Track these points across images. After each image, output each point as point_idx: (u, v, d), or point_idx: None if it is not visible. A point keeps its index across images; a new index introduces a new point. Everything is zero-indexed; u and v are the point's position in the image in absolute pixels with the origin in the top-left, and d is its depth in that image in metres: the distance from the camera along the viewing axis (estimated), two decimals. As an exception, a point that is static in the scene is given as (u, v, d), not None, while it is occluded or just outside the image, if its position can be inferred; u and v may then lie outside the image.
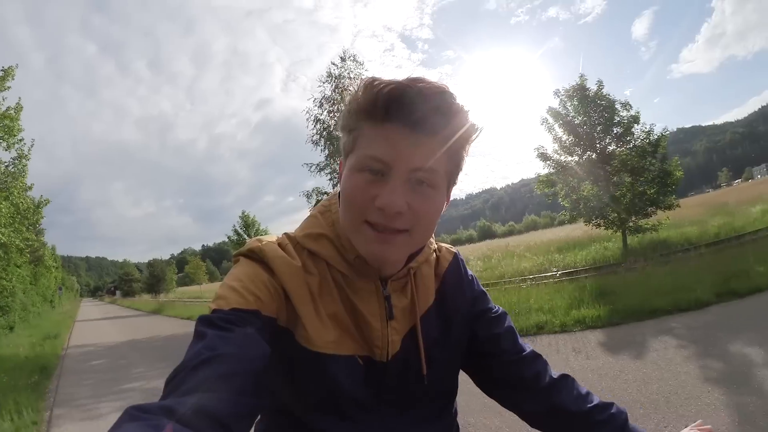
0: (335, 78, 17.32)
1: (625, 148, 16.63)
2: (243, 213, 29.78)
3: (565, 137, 17.12)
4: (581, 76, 16.94)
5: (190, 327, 9.98)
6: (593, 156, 16.67)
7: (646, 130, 16.49)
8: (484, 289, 1.12)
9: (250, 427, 0.70)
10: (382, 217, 0.80)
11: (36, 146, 14.63)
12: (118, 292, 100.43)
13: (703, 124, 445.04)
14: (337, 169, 0.97)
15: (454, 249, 1.12)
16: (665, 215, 16.64)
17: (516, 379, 1.05)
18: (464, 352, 1.06)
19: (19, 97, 13.81)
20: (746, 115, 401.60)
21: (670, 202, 16.22)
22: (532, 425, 1.08)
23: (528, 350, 1.08)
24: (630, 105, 16.92)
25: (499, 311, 1.11)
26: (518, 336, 1.10)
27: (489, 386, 1.09)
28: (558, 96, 17.26)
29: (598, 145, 16.70)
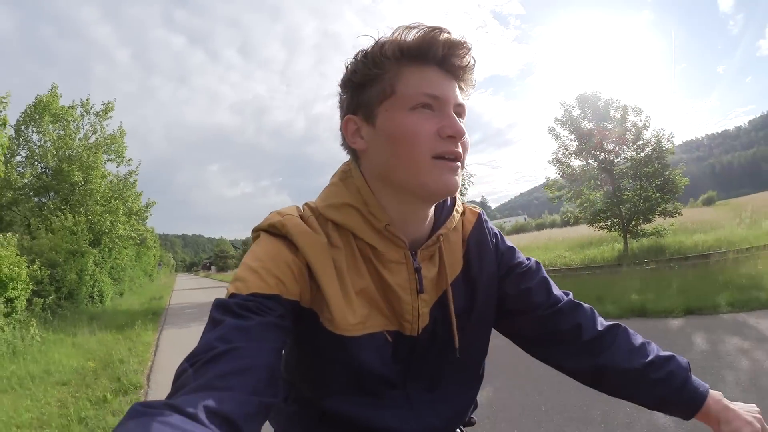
0: None
1: (634, 153, 16.41)
2: None
3: (571, 143, 17.03)
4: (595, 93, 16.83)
5: None
6: (598, 160, 16.49)
7: (656, 134, 16.17)
8: (511, 245, 1.06)
9: (262, 424, 0.67)
10: (451, 145, 0.82)
11: (130, 134, 19.12)
12: (213, 268, 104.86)
13: None
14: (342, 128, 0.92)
15: (477, 209, 1.06)
16: (671, 221, 16.56)
17: (553, 334, 0.99)
18: (494, 315, 1.02)
19: (120, 122, 19.01)
20: None
21: (670, 209, 15.96)
22: (581, 382, 1.02)
23: (565, 300, 1.02)
24: (641, 109, 16.50)
25: (531, 263, 1.06)
26: (554, 286, 1.04)
27: (527, 344, 1.05)
28: (563, 106, 17.02)
29: (603, 151, 16.37)
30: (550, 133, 17.41)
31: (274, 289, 0.78)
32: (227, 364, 0.64)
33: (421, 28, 0.82)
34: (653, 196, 16.04)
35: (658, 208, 15.97)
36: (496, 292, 1.01)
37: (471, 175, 18.00)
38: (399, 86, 0.83)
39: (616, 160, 16.47)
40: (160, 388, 6.24)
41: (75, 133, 17.46)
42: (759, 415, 0.91)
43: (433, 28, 0.82)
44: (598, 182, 16.68)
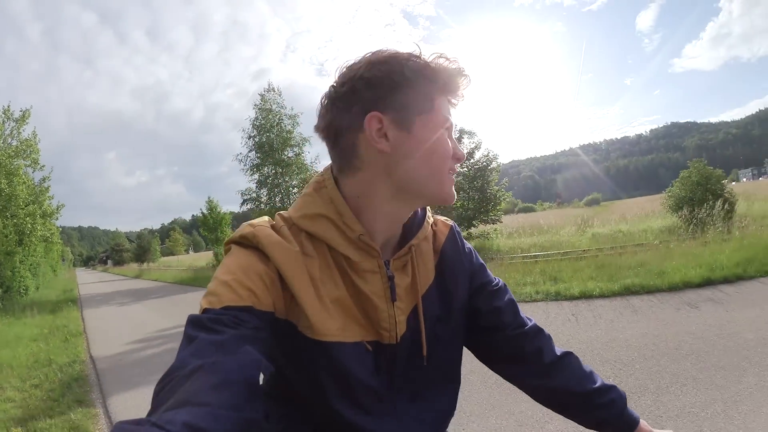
0: (263, 110, 23.35)
1: (467, 170, 20.52)
2: (209, 198, 35.11)
3: None
4: None
5: (156, 285, 26.28)
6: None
7: (486, 155, 20.75)
8: (483, 262, 1.10)
9: None
10: (456, 164, 0.92)
11: (31, 117, 21.00)
12: (109, 262, 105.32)
13: (699, 121, 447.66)
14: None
15: (450, 222, 1.09)
16: (493, 227, 21.00)
17: (518, 353, 1.06)
18: (466, 327, 1.05)
19: (35, 126, 21.43)
20: (744, 116, 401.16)
21: (493, 217, 20.73)
22: (534, 399, 1.09)
23: (530, 324, 1.09)
24: (474, 133, 21.06)
25: (500, 284, 1.10)
26: (519, 309, 1.10)
27: (490, 360, 1.10)
28: None
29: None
30: None
31: (247, 300, 0.77)
32: (203, 380, 0.63)
33: (455, 62, 0.89)
34: (474, 207, 20.45)
35: (482, 217, 20.37)
36: (468, 304, 1.05)
37: None
38: (434, 106, 0.87)
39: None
40: (95, 334, 10.93)
41: None
42: None
43: (463, 69, 0.89)
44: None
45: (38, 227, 21.24)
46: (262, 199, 24.00)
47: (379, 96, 0.85)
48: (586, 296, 8.35)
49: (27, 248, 20.74)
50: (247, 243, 0.86)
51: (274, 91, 24.00)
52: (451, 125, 0.91)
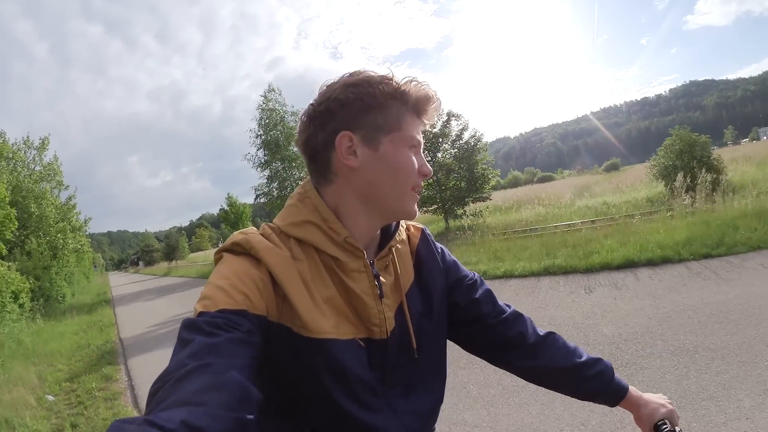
0: (266, 110, 24.32)
1: (457, 151, 21.21)
2: (228, 194, 36.49)
3: None
4: None
5: (181, 280, 30.61)
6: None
7: (473, 135, 21.23)
8: (455, 258, 1.18)
9: None
10: (421, 182, 0.98)
11: (49, 130, 25.65)
12: (141, 263, 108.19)
13: (717, 78, 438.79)
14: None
15: (420, 225, 1.16)
16: (485, 205, 21.29)
17: (501, 340, 1.13)
18: (447, 322, 1.11)
19: (55, 151, 24.20)
20: (761, 72, 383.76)
21: (485, 196, 21.14)
22: (525, 379, 1.18)
23: (509, 311, 1.16)
24: (461, 115, 21.30)
25: (475, 277, 1.18)
26: (497, 298, 1.17)
27: (477, 350, 1.17)
28: None
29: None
30: None
31: (241, 304, 0.80)
32: (199, 380, 0.64)
33: (425, 85, 0.95)
34: (463, 187, 21.11)
35: (472, 195, 20.97)
36: (447, 300, 1.11)
37: None
38: (402, 125, 0.93)
39: (438, 156, 21.44)
40: (124, 324, 13.42)
41: (22, 170, 22.60)
42: (668, 401, 1.16)
43: (431, 93, 0.96)
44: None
45: (69, 241, 24.02)
46: (274, 193, 25.00)
47: (351, 116, 0.92)
48: (507, 276, 9.31)
49: (61, 261, 23.24)
50: (240, 250, 0.89)
51: (274, 91, 25.03)
52: (419, 144, 0.97)
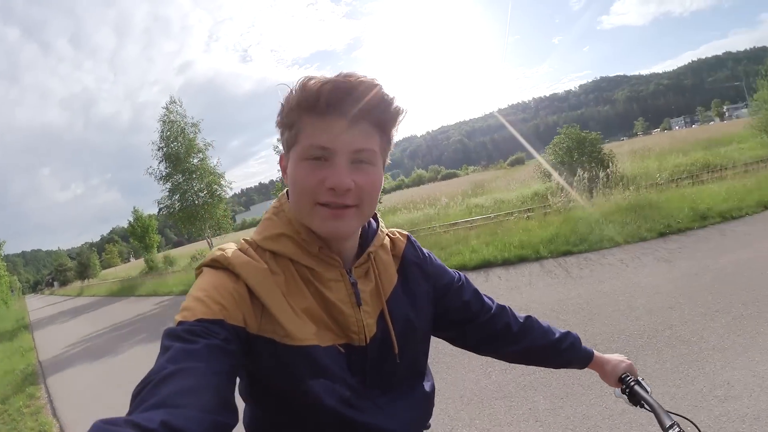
0: (167, 122, 24.19)
1: None
2: (134, 208, 37.52)
3: None
4: None
5: (92, 300, 31.08)
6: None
7: None
8: (441, 262, 1.22)
9: None
10: (333, 196, 0.88)
11: None
12: (55, 283, 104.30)
13: (629, 74, 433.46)
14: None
15: (405, 232, 1.19)
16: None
17: (490, 334, 1.24)
18: (433, 324, 1.16)
19: None
20: (676, 67, 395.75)
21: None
22: (510, 362, 1.32)
23: (494, 306, 1.26)
24: None
25: (462, 279, 1.24)
26: (482, 295, 1.26)
27: (466, 344, 1.27)
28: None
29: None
30: (275, 150, 20.69)
31: (218, 314, 0.82)
32: (178, 383, 0.67)
33: (317, 80, 0.87)
34: None
35: None
36: (435, 305, 1.16)
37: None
38: (301, 136, 0.90)
39: None
40: (42, 347, 14.83)
41: None
42: (626, 358, 1.36)
43: (327, 80, 0.86)
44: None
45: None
46: (176, 206, 25.09)
47: (281, 136, 0.97)
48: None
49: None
50: (218, 265, 0.91)
51: (175, 102, 25.21)
52: (327, 149, 0.88)
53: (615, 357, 1.36)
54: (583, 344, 1.34)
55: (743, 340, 4.17)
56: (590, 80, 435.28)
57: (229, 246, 0.97)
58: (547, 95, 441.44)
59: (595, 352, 1.36)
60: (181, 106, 25.35)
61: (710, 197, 9.82)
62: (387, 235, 1.15)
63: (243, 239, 0.99)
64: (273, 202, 1.06)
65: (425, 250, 1.21)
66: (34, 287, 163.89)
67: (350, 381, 0.97)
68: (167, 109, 25.03)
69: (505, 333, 1.26)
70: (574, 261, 8.03)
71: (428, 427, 1.18)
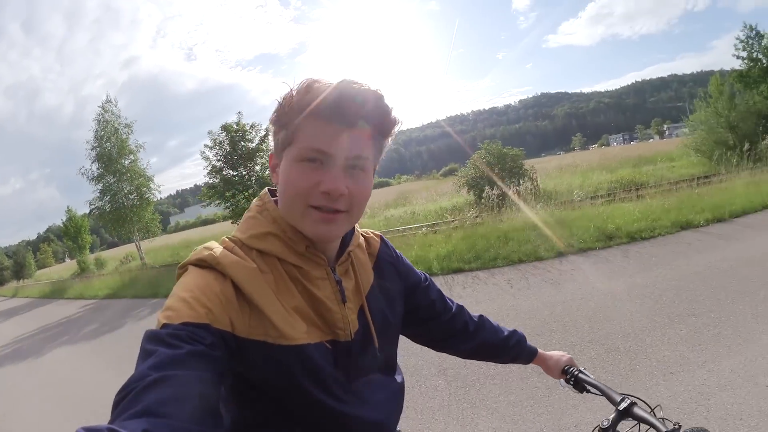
0: (102, 122, 24.26)
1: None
2: (68, 207, 36.34)
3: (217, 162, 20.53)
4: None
5: (26, 301, 28.64)
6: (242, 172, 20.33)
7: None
8: (409, 262, 1.29)
9: None
10: (326, 200, 0.90)
11: None
12: None
13: (570, 91, 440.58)
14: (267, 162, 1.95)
15: (378, 233, 1.23)
16: None
17: (451, 332, 1.35)
18: (402, 321, 1.21)
19: None
20: (619, 87, 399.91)
21: None
22: (464, 358, 1.43)
23: (455, 306, 1.37)
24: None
25: (428, 279, 1.32)
26: (444, 295, 1.36)
27: (426, 341, 1.37)
28: (210, 134, 20.37)
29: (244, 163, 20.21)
30: (201, 156, 20.75)
31: (204, 318, 0.80)
32: (162, 392, 0.65)
33: (321, 83, 0.89)
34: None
35: None
36: (404, 301, 1.22)
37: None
38: (298, 137, 0.91)
39: (257, 169, 20.76)
40: None
41: None
42: (566, 354, 1.51)
43: (333, 86, 0.88)
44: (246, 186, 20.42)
45: None
46: (107, 207, 24.94)
47: (274, 136, 0.98)
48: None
49: None
50: (205, 264, 0.89)
51: (111, 102, 25.22)
52: (324, 154, 0.90)
53: (557, 353, 1.52)
54: (528, 342, 1.49)
55: (611, 375, 3.99)
56: (531, 96, 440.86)
57: (214, 244, 0.96)
58: (487, 108, 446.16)
59: (540, 350, 1.51)
60: (116, 106, 25.33)
61: (622, 216, 9.56)
62: (361, 234, 1.18)
63: (227, 237, 0.98)
64: (255, 200, 1.05)
65: (397, 251, 1.26)
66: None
67: (336, 375, 0.98)
68: (103, 108, 24.96)
69: (464, 331, 1.36)
70: (462, 279, 8.04)
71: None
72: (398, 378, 1.19)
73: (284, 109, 0.93)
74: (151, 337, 0.77)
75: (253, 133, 20.42)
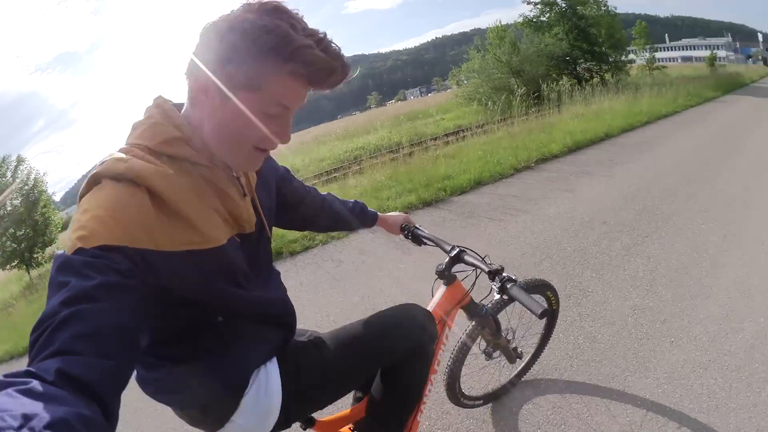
0: None
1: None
2: None
3: None
4: None
5: None
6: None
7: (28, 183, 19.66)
8: (271, 158, 1.32)
9: (123, 387, 0.67)
10: (272, 145, 0.97)
11: None
12: None
13: (367, 53, 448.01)
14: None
15: None
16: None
17: (314, 211, 1.53)
18: (277, 209, 1.32)
19: None
20: (419, 44, 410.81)
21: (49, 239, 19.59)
22: (323, 232, 2.37)
23: (311, 188, 1.55)
24: (25, 159, 20.18)
25: (289, 170, 1.44)
26: (302, 182, 1.51)
27: (299, 224, 1.54)
28: None
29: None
30: None
31: (122, 239, 0.76)
32: (74, 328, 0.63)
33: (329, 52, 0.90)
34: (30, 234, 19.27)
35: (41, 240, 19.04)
36: (276, 193, 1.31)
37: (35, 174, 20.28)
38: (266, 87, 0.89)
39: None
40: None
41: None
42: (403, 213, 1.82)
43: (334, 64, 0.91)
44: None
45: None
46: None
47: (216, 60, 0.87)
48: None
49: None
50: (121, 178, 0.83)
51: None
52: (287, 108, 0.93)
53: (395, 214, 1.81)
54: (369, 208, 1.74)
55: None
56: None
57: (126, 155, 0.88)
58: None
59: (380, 213, 1.76)
60: None
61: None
62: None
63: (131, 144, 0.91)
64: (151, 107, 0.98)
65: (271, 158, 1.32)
66: None
67: (245, 267, 1.06)
68: None
69: (321, 208, 1.55)
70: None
71: None
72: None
73: (254, 45, 0.84)
74: (63, 266, 0.73)
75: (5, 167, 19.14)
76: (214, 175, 0.97)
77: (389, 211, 1.92)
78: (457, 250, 1.53)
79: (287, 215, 1.43)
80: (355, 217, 1.67)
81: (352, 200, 1.71)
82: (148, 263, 0.81)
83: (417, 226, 1.75)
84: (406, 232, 1.75)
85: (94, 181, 0.85)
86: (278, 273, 1.30)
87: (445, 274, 1.60)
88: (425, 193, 6.49)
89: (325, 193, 1.62)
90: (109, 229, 0.76)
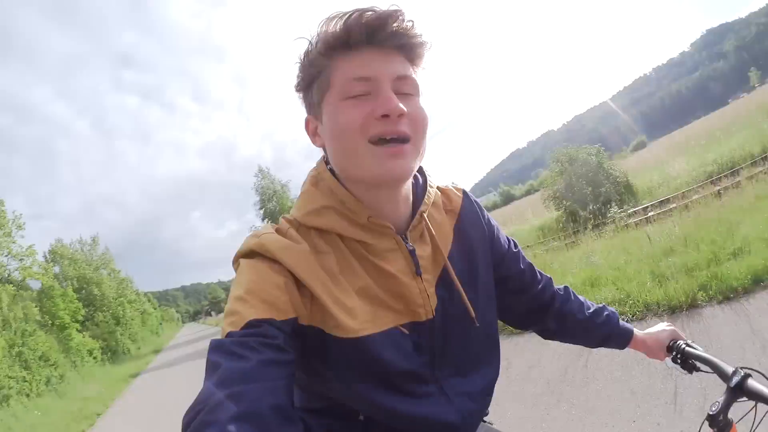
0: (261, 188, 28.42)
1: None
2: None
3: None
4: None
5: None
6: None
7: None
8: (495, 222, 1.10)
9: None
10: (386, 125, 0.79)
11: (107, 201, 32.62)
12: (213, 313, 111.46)
13: (730, 20, 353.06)
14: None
15: (461, 186, 1.08)
16: None
17: (541, 306, 1.15)
18: (495, 291, 1.04)
19: (106, 246, 32.94)
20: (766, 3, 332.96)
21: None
22: (548, 338, 1.21)
23: (542, 277, 1.17)
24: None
25: (516, 245, 1.14)
26: (533, 266, 1.15)
27: (514, 319, 1.18)
28: None
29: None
30: None
31: (267, 312, 0.74)
32: (232, 410, 0.61)
33: (340, 15, 0.80)
34: None
35: None
36: (493, 269, 1.04)
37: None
38: (335, 77, 0.82)
39: None
40: (158, 361, 20.59)
41: (82, 264, 29.87)
42: (667, 324, 1.23)
43: (352, 12, 0.79)
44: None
45: (128, 311, 31.68)
46: None
47: (305, 99, 0.89)
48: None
49: (124, 326, 30.55)
50: (255, 255, 0.82)
51: (263, 170, 29.06)
52: (364, 83, 0.81)
53: (656, 329, 1.23)
54: (622, 321, 1.22)
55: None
56: (698, 36, 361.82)
57: (264, 231, 0.87)
58: (664, 62, 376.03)
59: (636, 330, 1.22)
60: (269, 172, 29.15)
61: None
62: (438, 189, 1.04)
63: (283, 217, 0.91)
64: (310, 171, 0.95)
65: (484, 209, 1.10)
66: (194, 316, 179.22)
67: (413, 366, 0.88)
68: (259, 176, 28.97)
69: (550, 305, 1.17)
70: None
71: (487, 414, 1.12)
72: (497, 360, 1.05)
73: (309, 58, 0.85)
74: (215, 348, 0.72)
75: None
76: (371, 249, 0.87)
77: None
78: (742, 374, 0.95)
79: (500, 303, 1.09)
80: (597, 327, 1.20)
81: (600, 304, 1.23)
82: (296, 333, 0.79)
83: (689, 342, 1.17)
84: (675, 353, 1.17)
85: (236, 265, 0.87)
86: (491, 380, 1.03)
87: (719, 420, 0.93)
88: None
89: (560, 286, 1.22)
90: (251, 305, 0.75)
